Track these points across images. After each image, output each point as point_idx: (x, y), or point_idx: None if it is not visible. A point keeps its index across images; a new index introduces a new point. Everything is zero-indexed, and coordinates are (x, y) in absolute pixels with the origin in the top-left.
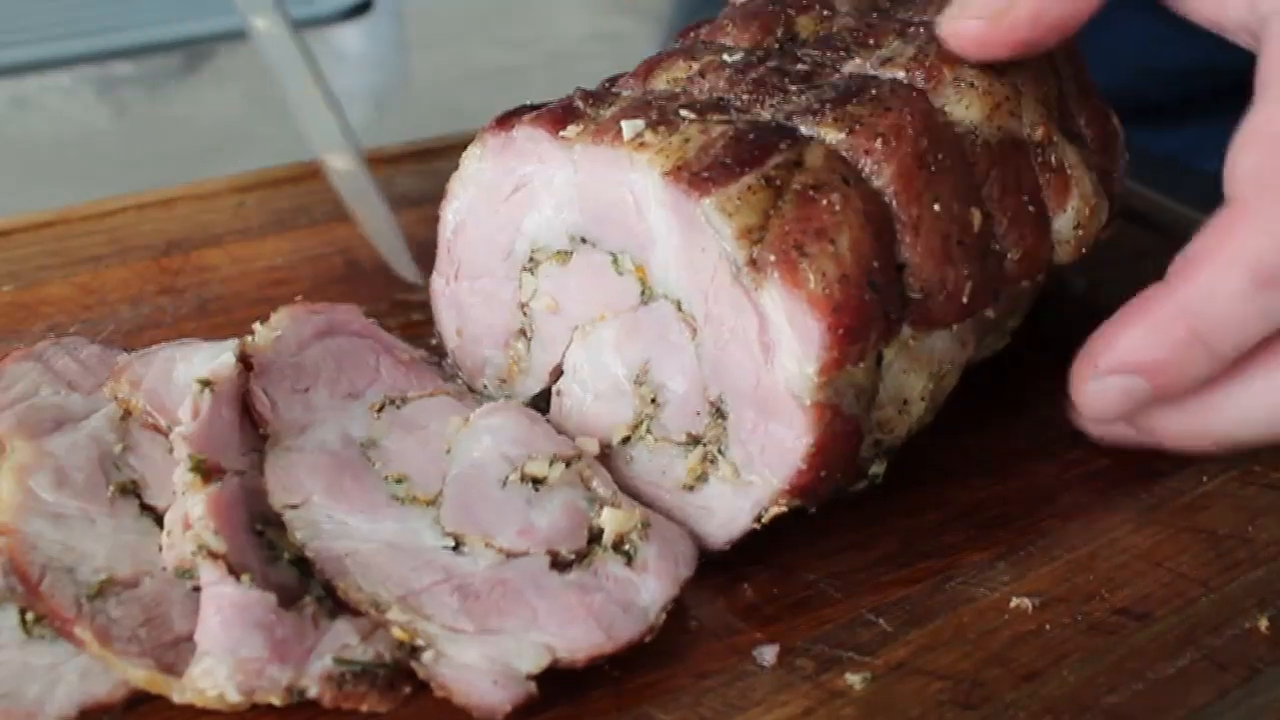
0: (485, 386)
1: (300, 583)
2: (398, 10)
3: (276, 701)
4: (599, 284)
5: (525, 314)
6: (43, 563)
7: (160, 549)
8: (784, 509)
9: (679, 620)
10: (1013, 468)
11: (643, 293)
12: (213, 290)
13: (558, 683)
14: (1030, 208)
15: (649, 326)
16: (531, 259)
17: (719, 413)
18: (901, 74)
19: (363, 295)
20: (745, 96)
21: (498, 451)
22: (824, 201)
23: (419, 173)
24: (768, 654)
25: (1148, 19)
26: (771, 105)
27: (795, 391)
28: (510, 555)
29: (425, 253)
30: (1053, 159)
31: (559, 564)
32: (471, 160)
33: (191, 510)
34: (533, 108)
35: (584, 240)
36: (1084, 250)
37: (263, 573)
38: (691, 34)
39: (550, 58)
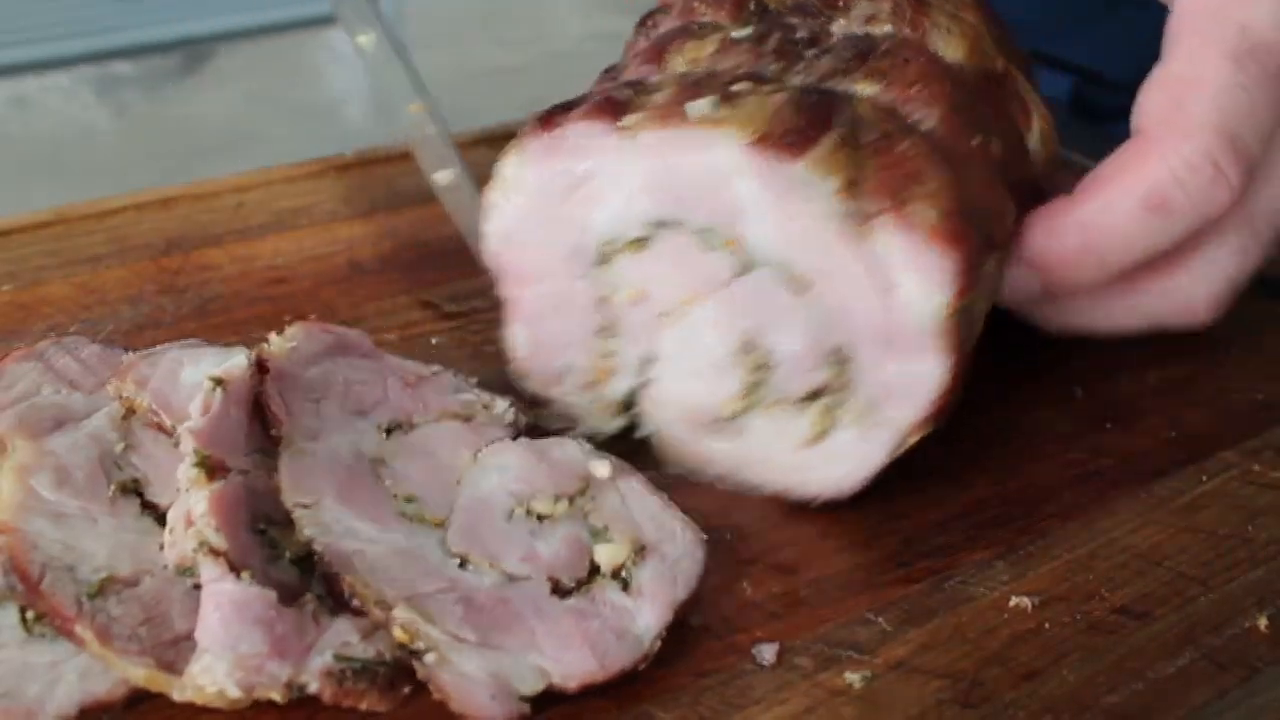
0: (567, 393)
1: (301, 582)
2: (398, 10)
3: (277, 698)
4: (686, 265)
5: (603, 311)
6: (43, 561)
7: (161, 548)
8: (917, 439)
9: (678, 619)
10: (1013, 468)
11: (740, 264)
12: (213, 290)
13: None
14: (1012, 134)
15: (750, 296)
16: (603, 253)
17: (839, 362)
18: (889, 28)
19: (364, 295)
20: (773, 67)
21: (504, 488)
22: (899, 149)
23: (419, 172)
24: (767, 652)
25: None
26: (799, 72)
27: (926, 325)
28: (513, 578)
29: (424, 254)
30: (1012, 87)
31: (559, 590)
32: (511, 168)
33: (194, 507)
34: (566, 107)
35: (663, 225)
36: (1050, 165)
37: (263, 571)
38: (649, 21)
39: (550, 58)
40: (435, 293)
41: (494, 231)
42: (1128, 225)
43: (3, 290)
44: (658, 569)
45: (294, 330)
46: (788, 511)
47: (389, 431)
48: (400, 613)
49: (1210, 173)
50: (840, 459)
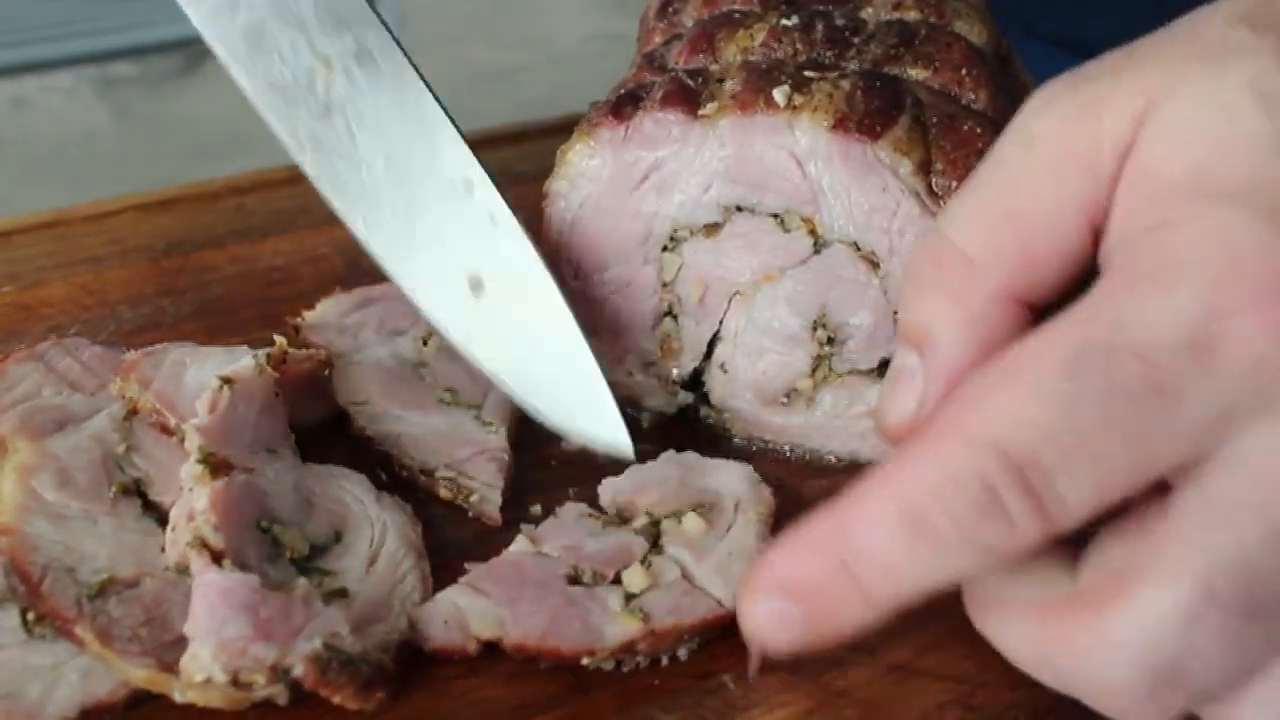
0: (630, 374)
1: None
2: (398, 10)
3: (261, 680)
4: (762, 246)
5: (669, 293)
6: (44, 563)
7: (162, 549)
8: None
9: None
10: None
11: (815, 243)
12: (213, 291)
13: (560, 682)
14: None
15: (824, 272)
16: (672, 239)
17: None
18: (915, 15)
19: None
20: (829, 54)
21: None
22: (964, 129)
23: None
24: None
25: None
26: (851, 58)
27: None
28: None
29: None
30: (1014, 66)
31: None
32: (580, 157)
33: (196, 504)
34: (633, 97)
35: (738, 209)
36: None
37: (260, 569)
38: (669, 8)
39: (550, 58)
40: None
41: (558, 219)
42: (887, 546)
43: (4, 291)
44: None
45: (323, 302)
46: (788, 512)
47: (425, 341)
48: (442, 473)
49: (977, 496)
50: None
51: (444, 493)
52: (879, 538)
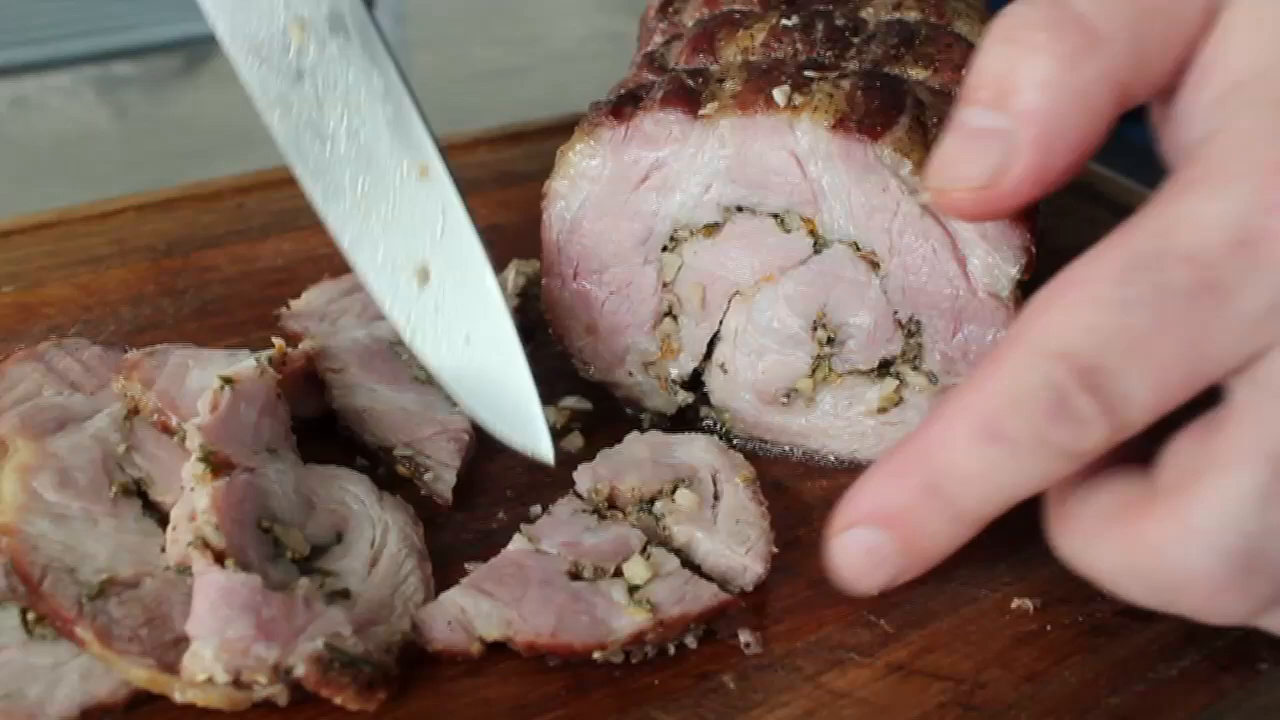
0: (630, 374)
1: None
2: (398, 10)
3: (263, 679)
4: (763, 246)
5: (669, 293)
6: (44, 563)
7: (162, 549)
8: None
9: None
10: None
11: (815, 243)
12: (213, 291)
13: (560, 682)
14: None
15: (824, 273)
16: (672, 239)
17: (911, 333)
18: (916, 15)
19: None
20: (829, 54)
21: None
22: None
23: None
24: (769, 655)
25: None
26: (852, 58)
27: (997, 292)
28: None
29: None
30: None
31: (573, 573)
32: (581, 157)
33: (197, 503)
34: (633, 98)
35: (739, 209)
36: None
37: (262, 569)
38: (668, 8)
39: (550, 58)
40: None
41: (557, 220)
42: (966, 458)
43: (4, 291)
44: (668, 592)
45: (310, 290)
46: (789, 512)
47: None
48: (399, 451)
49: (1047, 401)
50: (908, 426)
51: (400, 469)
52: (960, 454)
